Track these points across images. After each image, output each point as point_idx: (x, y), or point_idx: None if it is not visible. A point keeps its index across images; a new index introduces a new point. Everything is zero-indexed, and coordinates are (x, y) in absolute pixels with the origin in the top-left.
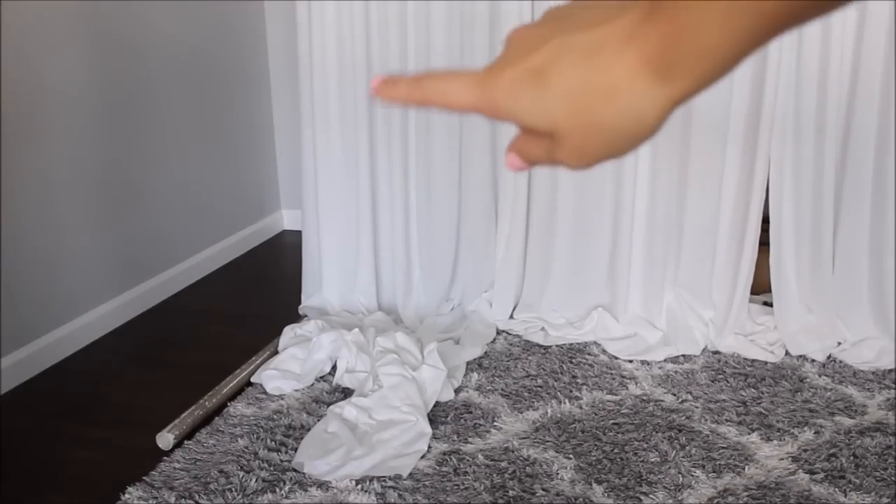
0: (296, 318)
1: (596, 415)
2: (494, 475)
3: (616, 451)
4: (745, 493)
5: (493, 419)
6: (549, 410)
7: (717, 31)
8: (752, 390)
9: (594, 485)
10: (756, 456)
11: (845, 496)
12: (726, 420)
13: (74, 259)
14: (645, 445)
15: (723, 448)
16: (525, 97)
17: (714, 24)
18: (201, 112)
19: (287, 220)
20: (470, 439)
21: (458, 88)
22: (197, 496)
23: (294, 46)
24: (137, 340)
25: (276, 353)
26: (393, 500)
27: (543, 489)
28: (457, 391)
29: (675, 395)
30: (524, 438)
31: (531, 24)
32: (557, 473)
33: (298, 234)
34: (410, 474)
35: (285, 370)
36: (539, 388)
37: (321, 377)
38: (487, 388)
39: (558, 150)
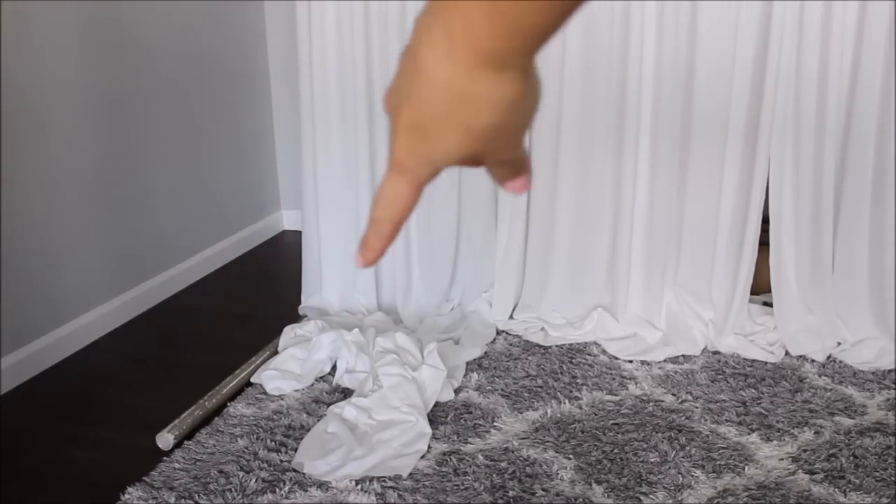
0: (296, 318)
1: (596, 415)
2: (494, 475)
3: (616, 451)
4: (745, 494)
5: (492, 419)
6: (548, 410)
7: (530, 9)
8: (752, 390)
9: (594, 485)
10: (756, 456)
11: (845, 496)
12: (726, 420)
13: (74, 259)
14: (645, 445)
15: (723, 448)
16: (421, 149)
17: (532, 10)
18: (201, 112)
19: (287, 220)
20: (470, 439)
21: (395, 190)
22: (197, 496)
23: (294, 46)
24: (137, 340)
25: (275, 353)
26: (393, 501)
27: (543, 489)
28: (457, 391)
29: (674, 395)
30: (524, 439)
31: (392, 80)
32: (557, 474)
33: (298, 234)
34: (410, 474)
35: (285, 370)
36: (539, 389)
37: (321, 377)
38: (487, 388)
39: (492, 160)
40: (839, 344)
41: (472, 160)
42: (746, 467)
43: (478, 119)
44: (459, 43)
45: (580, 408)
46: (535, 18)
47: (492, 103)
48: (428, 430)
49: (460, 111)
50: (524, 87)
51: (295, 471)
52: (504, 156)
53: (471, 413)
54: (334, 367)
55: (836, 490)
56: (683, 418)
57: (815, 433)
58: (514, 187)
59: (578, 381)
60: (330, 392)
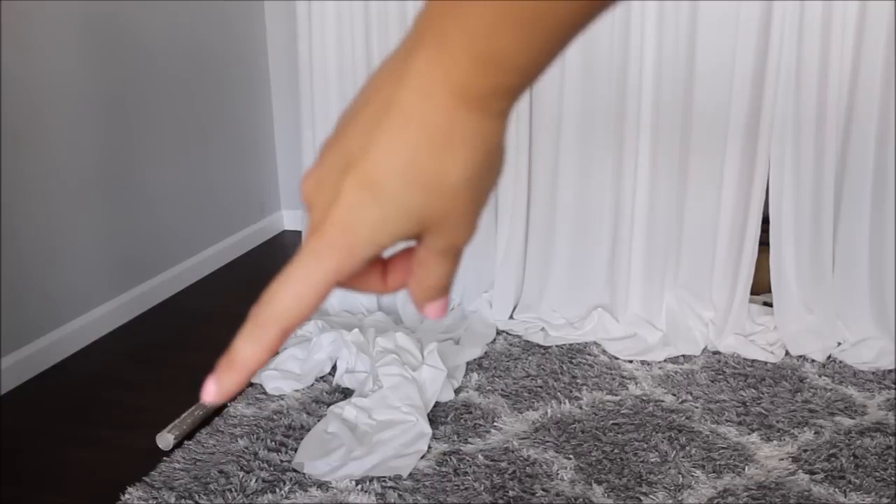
0: None
1: (596, 415)
2: (494, 475)
3: (616, 451)
4: (745, 494)
5: (493, 419)
6: (549, 411)
7: (521, 49)
8: (752, 390)
9: (594, 485)
10: (756, 456)
11: (845, 496)
12: (726, 420)
13: (74, 259)
14: (645, 446)
15: (723, 448)
16: (370, 215)
17: (515, 43)
18: (201, 112)
19: (287, 220)
20: (470, 439)
21: (305, 279)
22: (197, 496)
23: (294, 46)
24: (137, 340)
25: (276, 353)
26: (393, 501)
27: (543, 489)
28: (457, 391)
29: (675, 395)
30: (524, 439)
31: (314, 165)
32: (557, 474)
33: (298, 234)
34: (410, 474)
35: (285, 370)
36: (539, 389)
37: (321, 377)
38: (487, 388)
39: (441, 240)
40: (839, 344)
41: (420, 231)
42: (746, 467)
43: (451, 168)
44: (437, 83)
45: (580, 408)
46: (518, 52)
47: (470, 150)
48: (428, 430)
49: (431, 159)
50: (502, 138)
51: (295, 471)
52: (457, 234)
53: (471, 413)
54: (334, 367)
55: (837, 490)
56: (683, 418)
57: (816, 433)
58: (433, 310)
59: (578, 381)
60: (330, 392)
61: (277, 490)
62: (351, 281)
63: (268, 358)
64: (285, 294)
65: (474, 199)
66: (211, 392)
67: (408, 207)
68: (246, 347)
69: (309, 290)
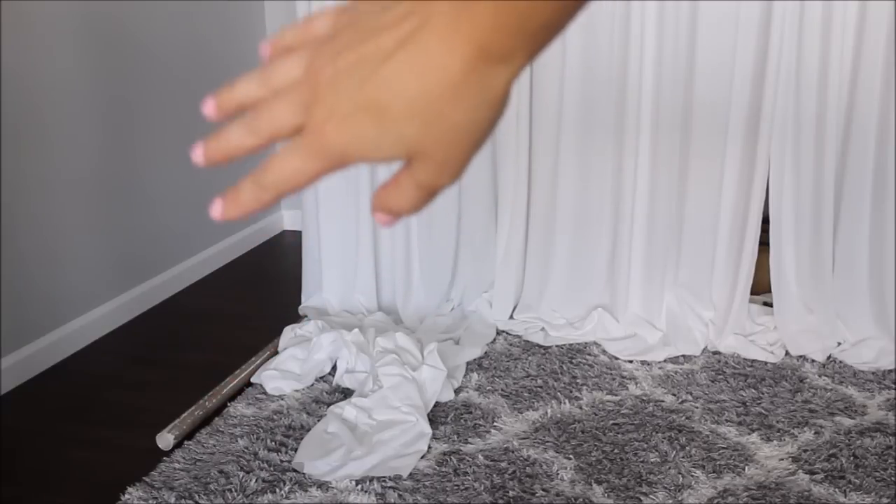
0: (296, 318)
1: (596, 415)
2: (494, 475)
3: (616, 451)
4: (745, 494)
5: (493, 419)
6: (549, 411)
7: (544, 12)
8: (752, 390)
9: (594, 485)
10: (756, 456)
11: (845, 496)
12: (726, 420)
13: (74, 259)
14: (645, 446)
15: (723, 448)
16: (368, 135)
17: (541, 7)
18: (201, 112)
19: (287, 220)
20: (470, 439)
21: (299, 166)
22: (197, 496)
23: None
24: (137, 340)
25: (276, 353)
26: (393, 501)
27: (543, 489)
28: (457, 391)
29: (675, 395)
30: (524, 439)
31: (329, 42)
32: (557, 474)
33: (298, 234)
34: (410, 474)
35: (285, 370)
36: (539, 389)
37: (321, 377)
38: (487, 388)
39: (424, 173)
40: (839, 344)
41: (409, 158)
42: (747, 467)
43: (457, 111)
44: (462, 32)
45: (580, 408)
46: (541, 17)
47: (479, 98)
48: (428, 430)
49: (440, 100)
50: (509, 92)
51: (295, 471)
52: (441, 173)
53: (471, 413)
54: (334, 367)
55: (837, 490)
56: (683, 418)
57: (816, 433)
58: (382, 221)
59: (578, 381)
60: (330, 392)
61: (277, 490)
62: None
63: (261, 209)
64: (280, 171)
65: (469, 144)
66: (217, 210)
67: (405, 137)
68: (247, 195)
69: (301, 176)
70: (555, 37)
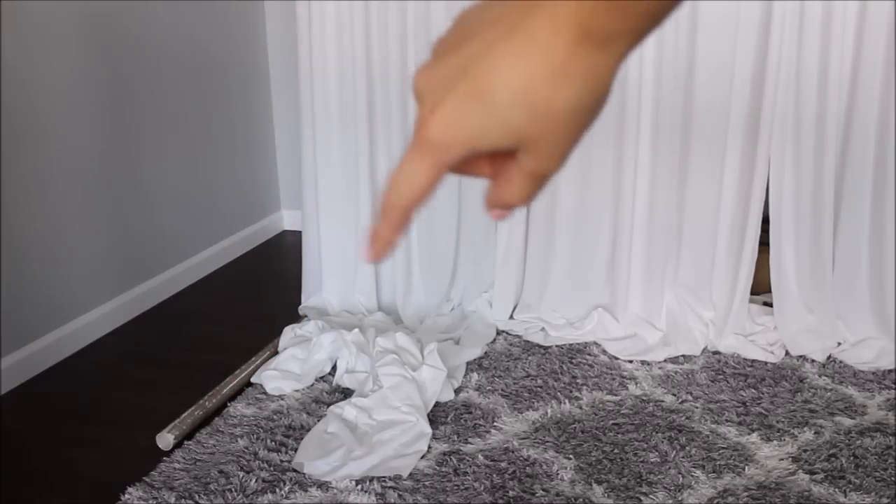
0: (296, 318)
1: (596, 415)
2: (494, 475)
3: (616, 451)
4: (745, 494)
5: (493, 419)
6: (549, 411)
7: None
8: (752, 390)
9: (594, 485)
10: (756, 456)
11: (845, 496)
12: (726, 420)
13: (74, 259)
14: (645, 446)
15: (723, 448)
16: (472, 121)
17: None
18: (201, 112)
19: (287, 220)
20: (470, 439)
21: (416, 172)
22: (197, 496)
23: (294, 46)
24: (137, 340)
25: (276, 353)
26: (393, 501)
27: (543, 489)
28: (457, 391)
29: (675, 395)
30: (524, 439)
31: (428, 62)
32: (557, 474)
33: (298, 234)
34: (410, 474)
35: (285, 370)
36: (539, 389)
37: (321, 377)
38: (487, 388)
39: (532, 161)
40: (839, 344)
41: (516, 146)
42: (746, 467)
43: (561, 97)
44: (568, 16)
45: (580, 408)
46: (642, 3)
47: (583, 84)
48: (428, 430)
49: (545, 86)
50: (614, 77)
51: (295, 471)
52: (549, 161)
53: (471, 413)
54: (334, 367)
55: (837, 490)
56: (683, 418)
57: (816, 433)
58: (497, 216)
59: (578, 381)
60: (330, 392)
61: (277, 490)
62: (461, 168)
63: (401, 233)
64: (400, 184)
65: (574, 129)
66: (369, 255)
67: (509, 124)
68: (384, 226)
69: (418, 180)
70: (655, 26)
